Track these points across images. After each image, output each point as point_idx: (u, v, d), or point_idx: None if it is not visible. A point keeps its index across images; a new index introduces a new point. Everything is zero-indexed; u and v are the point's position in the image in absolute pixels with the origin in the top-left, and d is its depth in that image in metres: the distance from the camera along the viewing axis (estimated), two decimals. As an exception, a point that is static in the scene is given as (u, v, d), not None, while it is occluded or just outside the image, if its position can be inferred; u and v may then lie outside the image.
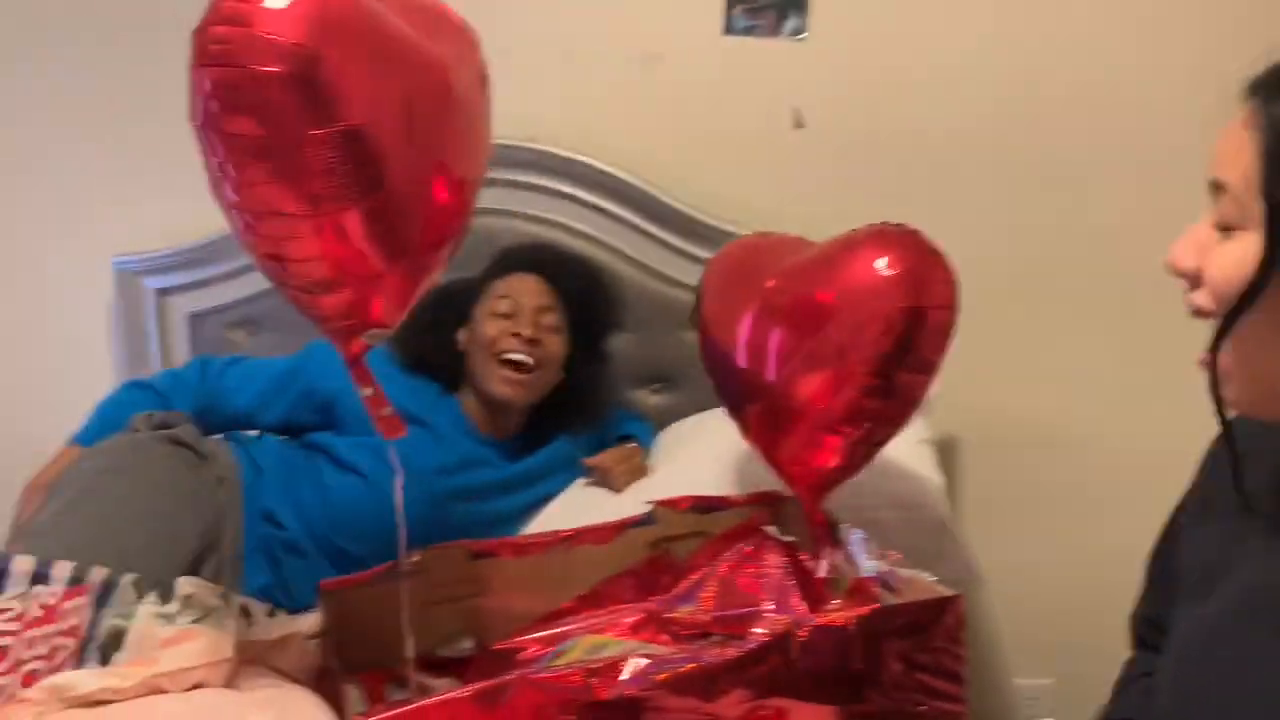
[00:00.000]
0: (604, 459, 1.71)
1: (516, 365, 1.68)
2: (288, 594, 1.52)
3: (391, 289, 1.02)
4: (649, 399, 2.05)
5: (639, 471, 1.70)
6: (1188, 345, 0.82)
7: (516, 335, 1.68)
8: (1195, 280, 0.75)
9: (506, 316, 1.70)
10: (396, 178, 0.95)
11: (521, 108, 2.00)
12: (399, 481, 1.09)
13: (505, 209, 1.99)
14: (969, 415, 1.96)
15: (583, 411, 1.80)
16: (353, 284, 0.98)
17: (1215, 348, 0.73)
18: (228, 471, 1.59)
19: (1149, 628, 1.01)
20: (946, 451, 1.94)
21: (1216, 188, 0.72)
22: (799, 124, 1.98)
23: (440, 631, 1.26)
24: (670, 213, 1.98)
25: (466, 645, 1.27)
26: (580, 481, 1.74)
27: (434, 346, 1.76)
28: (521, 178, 1.98)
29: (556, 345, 1.73)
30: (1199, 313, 0.75)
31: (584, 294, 1.80)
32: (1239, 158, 0.69)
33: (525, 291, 1.74)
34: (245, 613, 1.15)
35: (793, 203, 1.92)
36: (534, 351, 1.68)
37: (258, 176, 0.91)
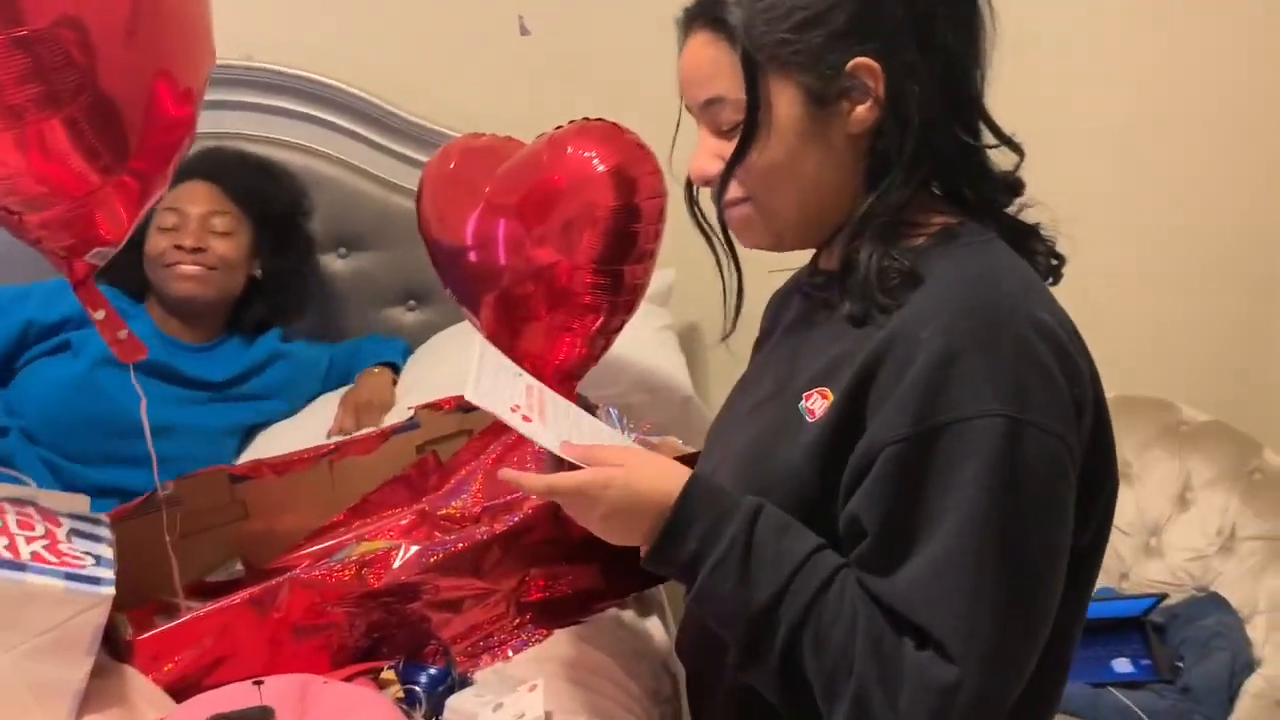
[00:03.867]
0: (344, 423, 1.64)
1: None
2: None
3: (115, 204, 0.98)
4: (404, 317, 2.03)
5: (387, 405, 1.70)
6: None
7: (179, 247, 1.69)
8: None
9: (173, 230, 1.71)
10: (108, 83, 0.90)
11: (233, 25, 1.91)
12: (144, 406, 1.06)
13: (229, 131, 1.91)
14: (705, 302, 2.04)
15: (282, 302, 1.83)
16: (65, 201, 0.93)
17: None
18: None
19: None
20: (688, 337, 2.04)
21: (710, 104, 0.85)
22: (523, 31, 1.99)
23: (207, 559, 1.24)
24: (400, 122, 1.96)
25: (237, 569, 1.26)
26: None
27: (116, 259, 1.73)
28: (239, 97, 1.92)
29: (228, 247, 1.74)
30: (731, 203, 0.88)
31: (257, 188, 1.81)
32: (719, 70, 0.83)
33: (190, 200, 1.73)
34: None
35: (511, 107, 1.90)
36: (201, 259, 1.70)
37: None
